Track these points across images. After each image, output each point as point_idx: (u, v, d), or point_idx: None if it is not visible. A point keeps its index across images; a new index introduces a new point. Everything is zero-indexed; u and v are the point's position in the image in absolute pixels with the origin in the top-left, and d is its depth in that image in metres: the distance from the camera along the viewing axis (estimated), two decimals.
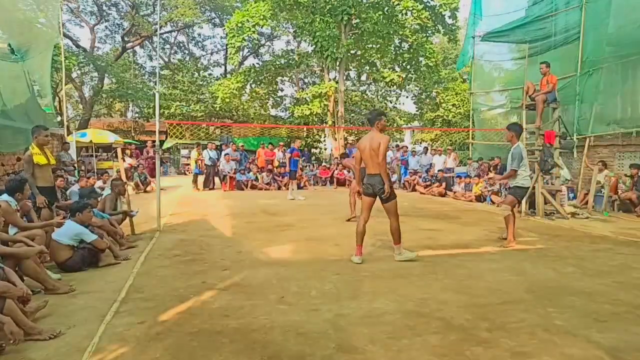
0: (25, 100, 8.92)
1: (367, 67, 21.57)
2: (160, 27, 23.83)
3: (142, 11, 24.94)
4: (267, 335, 2.86)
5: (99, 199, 6.13)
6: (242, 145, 16.98)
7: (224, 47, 27.36)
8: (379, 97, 27.54)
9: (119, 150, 7.70)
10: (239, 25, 17.00)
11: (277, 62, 21.02)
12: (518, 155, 5.60)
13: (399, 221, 4.85)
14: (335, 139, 19.31)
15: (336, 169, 15.70)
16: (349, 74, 23.67)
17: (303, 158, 19.26)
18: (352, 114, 23.51)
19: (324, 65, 19.30)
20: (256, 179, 13.90)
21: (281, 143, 16.41)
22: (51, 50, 10.55)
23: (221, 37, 29.26)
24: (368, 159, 4.78)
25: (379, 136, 4.75)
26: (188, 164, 17.54)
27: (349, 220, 7.49)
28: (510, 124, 6.07)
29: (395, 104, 27.91)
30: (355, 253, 4.78)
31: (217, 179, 14.03)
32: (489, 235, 6.35)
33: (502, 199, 9.88)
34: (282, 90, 27.28)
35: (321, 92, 18.17)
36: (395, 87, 22.00)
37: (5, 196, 4.37)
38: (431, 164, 14.77)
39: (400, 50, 19.73)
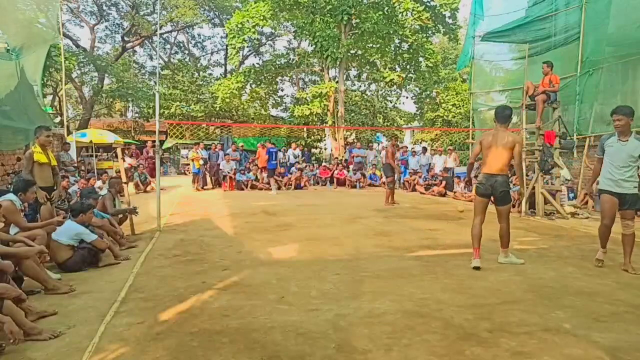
0: (24, 100, 8.92)
1: (367, 67, 21.57)
2: (160, 27, 23.82)
3: (142, 11, 24.93)
4: (267, 335, 2.86)
5: (99, 199, 6.13)
6: (242, 145, 16.99)
7: (224, 47, 27.36)
8: (379, 97, 27.56)
9: (118, 151, 7.69)
10: (239, 25, 17.00)
11: (277, 62, 21.03)
12: None
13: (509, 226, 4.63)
14: (335, 139, 19.31)
15: (336, 168, 15.70)
16: (349, 73, 23.68)
17: (303, 158, 19.30)
18: (352, 114, 23.51)
19: (324, 65, 19.31)
20: (256, 179, 13.91)
21: (263, 142, 16.50)
22: (46, 51, 10.49)
23: (221, 37, 29.28)
24: (492, 158, 4.43)
25: (512, 136, 4.40)
26: (188, 164, 17.58)
27: (393, 204, 9.49)
28: (623, 107, 4.44)
29: (396, 104, 27.94)
30: (473, 256, 4.51)
31: (211, 180, 14.19)
32: (489, 235, 6.33)
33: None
34: (282, 90, 27.33)
35: (321, 92, 18.17)
36: (395, 87, 22.00)
37: (10, 195, 4.37)
38: (430, 164, 14.79)
39: (400, 51, 19.74)
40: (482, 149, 4.56)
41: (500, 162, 4.42)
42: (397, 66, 20.62)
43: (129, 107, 28.52)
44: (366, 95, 26.77)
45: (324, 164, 18.02)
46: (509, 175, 4.45)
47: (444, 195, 12.46)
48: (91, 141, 16.32)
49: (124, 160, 10.30)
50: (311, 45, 18.70)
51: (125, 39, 25.50)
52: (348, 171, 15.49)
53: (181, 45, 30.56)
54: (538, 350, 2.63)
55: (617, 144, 4.37)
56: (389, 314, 3.22)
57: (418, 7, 17.24)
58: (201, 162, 13.48)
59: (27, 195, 4.49)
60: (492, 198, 4.56)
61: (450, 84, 22.04)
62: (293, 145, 17.75)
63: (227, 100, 19.51)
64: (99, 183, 10.15)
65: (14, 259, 3.46)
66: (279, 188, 13.94)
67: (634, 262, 4.44)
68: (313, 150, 23.69)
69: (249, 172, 13.96)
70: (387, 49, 18.50)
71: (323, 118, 20.28)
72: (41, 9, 10.04)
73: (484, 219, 4.61)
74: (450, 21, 19.24)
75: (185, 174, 18.26)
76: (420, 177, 13.96)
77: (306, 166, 17.17)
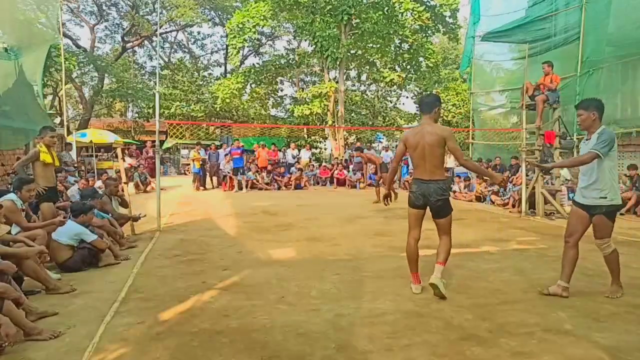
0: (23, 100, 8.92)
1: (367, 67, 21.55)
2: (160, 27, 23.82)
3: (142, 10, 24.92)
4: (267, 335, 2.86)
5: (99, 199, 6.14)
6: (242, 145, 16.98)
7: (224, 47, 27.35)
8: (379, 97, 27.56)
9: (118, 151, 7.69)
10: (240, 25, 17.02)
11: (277, 62, 21.03)
12: (610, 138, 3.40)
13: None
14: (335, 139, 19.31)
15: (336, 168, 15.70)
16: (349, 74, 23.65)
17: (307, 160, 19.27)
18: (352, 114, 23.50)
19: (324, 65, 19.29)
20: (256, 179, 13.91)
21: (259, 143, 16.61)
22: (46, 51, 10.48)
23: (221, 36, 29.26)
24: (420, 159, 3.56)
25: (439, 129, 3.54)
26: (188, 164, 17.60)
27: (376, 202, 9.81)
28: (586, 100, 3.70)
29: (396, 104, 27.94)
30: (412, 281, 3.76)
31: (211, 180, 14.27)
32: (489, 235, 6.35)
33: (503, 201, 9.85)
34: (282, 90, 27.33)
35: (321, 92, 18.17)
36: (395, 87, 21.97)
37: (11, 195, 4.37)
38: None
39: (400, 51, 19.74)
40: (408, 150, 3.66)
41: (430, 164, 3.53)
42: (397, 66, 20.60)
43: (128, 107, 28.51)
44: (366, 95, 26.76)
45: (324, 164, 18.01)
46: (446, 180, 3.62)
47: None
48: (91, 141, 16.34)
49: (124, 160, 10.30)
50: (311, 45, 18.68)
51: (125, 39, 25.49)
52: (348, 171, 15.48)
53: (181, 44, 30.56)
54: (538, 351, 2.63)
55: (583, 144, 3.67)
56: (389, 314, 3.22)
57: (418, 7, 17.23)
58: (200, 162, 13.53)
59: (22, 194, 4.48)
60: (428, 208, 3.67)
61: (450, 84, 22.03)
62: (292, 145, 17.75)
63: (227, 100, 19.50)
64: (99, 183, 10.15)
65: (14, 259, 3.47)
66: (278, 188, 13.98)
67: (624, 282, 3.77)
68: (313, 150, 23.67)
69: (248, 172, 13.96)
70: (387, 49, 18.49)
71: (323, 118, 20.26)
72: (41, 9, 10.05)
73: (419, 235, 3.75)
74: (450, 21, 19.24)
75: (185, 174, 18.27)
76: None
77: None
